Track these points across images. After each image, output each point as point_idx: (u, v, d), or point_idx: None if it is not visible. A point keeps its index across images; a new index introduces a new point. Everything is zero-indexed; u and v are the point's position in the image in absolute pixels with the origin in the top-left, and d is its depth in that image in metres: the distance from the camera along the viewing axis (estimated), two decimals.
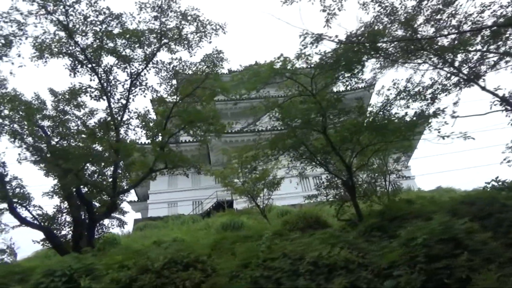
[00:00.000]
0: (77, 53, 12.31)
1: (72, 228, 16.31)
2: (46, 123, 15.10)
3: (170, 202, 35.74)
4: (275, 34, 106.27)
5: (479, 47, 10.17)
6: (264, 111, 10.11)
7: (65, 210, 16.68)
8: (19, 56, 11.54)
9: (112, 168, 15.25)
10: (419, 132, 11.42)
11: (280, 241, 6.36)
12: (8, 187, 13.99)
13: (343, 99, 10.41)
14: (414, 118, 9.75)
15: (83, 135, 14.76)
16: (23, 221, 13.47)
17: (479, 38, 9.69)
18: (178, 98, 13.15)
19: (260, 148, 10.78)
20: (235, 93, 13.24)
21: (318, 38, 8.22)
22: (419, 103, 11.35)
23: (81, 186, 13.60)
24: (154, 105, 14.98)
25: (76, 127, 15.37)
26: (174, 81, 13.14)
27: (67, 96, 15.20)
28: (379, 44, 9.13)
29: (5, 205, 13.96)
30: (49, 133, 14.90)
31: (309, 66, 9.25)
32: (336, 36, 8.21)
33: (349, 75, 9.59)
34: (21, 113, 13.71)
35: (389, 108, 11.10)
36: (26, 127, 13.91)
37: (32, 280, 7.55)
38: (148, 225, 27.63)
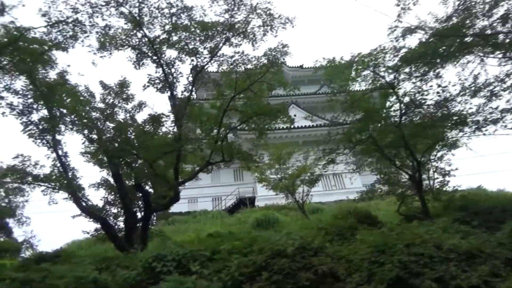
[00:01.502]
0: (142, 45, 12.38)
1: (118, 219, 16.47)
2: (94, 115, 15.20)
3: (191, 198, 35.91)
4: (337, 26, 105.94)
5: None
6: (343, 103, 10.18)
7: (112, 202, 16.83)
8: (101, 47, 11.63)
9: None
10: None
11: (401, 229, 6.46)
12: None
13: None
14: (496, 113, 9.80)
15: (132, 128, 14.84)
16: (84, 211, 13.56)
17: None
18: (235, 92, 13.18)
19: (331, 141, 10.85)
20: (294, 88, 13.36)
21: (410, 31, 8.28)
22: (479, 99, 11.46)
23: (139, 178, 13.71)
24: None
25: (123, 120, 15.48)
26: (233, 75, 13.16)
27: (117, 89, 15.38)
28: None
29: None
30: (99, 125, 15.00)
31: (392, 60, 9.32)
32: (431, 29, 8.26)
33: (429, 69, 9.63)
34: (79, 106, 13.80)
35: (450, 103, 11.18)
36: (82, 119, 13.99)
37: (137, 265, 7.67)
38: (176, 220, 27.77)
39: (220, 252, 7.61)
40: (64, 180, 12.75)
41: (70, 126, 13.90)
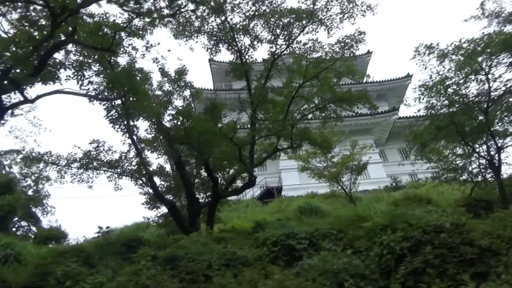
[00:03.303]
0: (218, 31, 12.51)
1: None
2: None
3: None
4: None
5: None
6: (429, 88, 10.34)
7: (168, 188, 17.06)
8: (177, 33, 11.73)
9: None
10: None
11: None
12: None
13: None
14: None
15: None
16: (158, 194, 13.85)
17: None
18: (304, 79, 13.31)
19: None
20: (363, 76, 13.52)
21: None
22: None
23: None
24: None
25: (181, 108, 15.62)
26: (304, 62, 13.30)
27: (175, 76, 15.53)
28: None
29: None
30: None
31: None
32: None
33: None
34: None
35: None
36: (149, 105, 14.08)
37: (259, 243, 7.93)
38: None
39: (344, 231, 7.88)
40: (141, 165, 12.99)
41: (139, 113, 14.06)
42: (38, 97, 9.09)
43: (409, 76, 42.10)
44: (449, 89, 10.07)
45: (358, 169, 20.27)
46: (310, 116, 13.20)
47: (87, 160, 14.28)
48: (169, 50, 12.63)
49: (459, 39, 9.38)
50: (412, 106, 12.51)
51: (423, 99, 11.06)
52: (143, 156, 13.33)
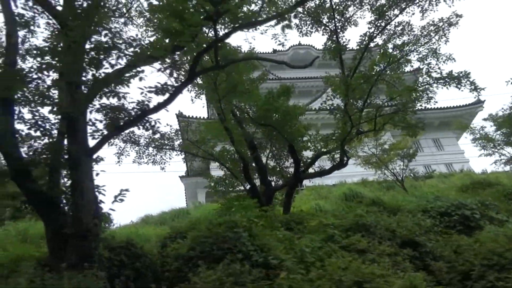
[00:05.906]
0: (316, 11, 12.48)
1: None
2: None
3: None
4: None
5: None
6: None
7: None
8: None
9: None
10: None
11: None
12: None
13: None
14: None
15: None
16: (248, 175, 13.76)
17: None
18: (388, 62, 13.42)
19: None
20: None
21: None
22: None
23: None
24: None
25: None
26: (390, 45, 13.42)
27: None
28: None
29: None
30: None
31: None
32: None
33: None
34: None
35: None
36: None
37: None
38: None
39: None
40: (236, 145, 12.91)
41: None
42: (229, 63, 8.82)
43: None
44: None
45: (408, 155, 20.62)
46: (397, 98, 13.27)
47: (162, 141, 14.15)
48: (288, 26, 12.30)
49: None
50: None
51: None
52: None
